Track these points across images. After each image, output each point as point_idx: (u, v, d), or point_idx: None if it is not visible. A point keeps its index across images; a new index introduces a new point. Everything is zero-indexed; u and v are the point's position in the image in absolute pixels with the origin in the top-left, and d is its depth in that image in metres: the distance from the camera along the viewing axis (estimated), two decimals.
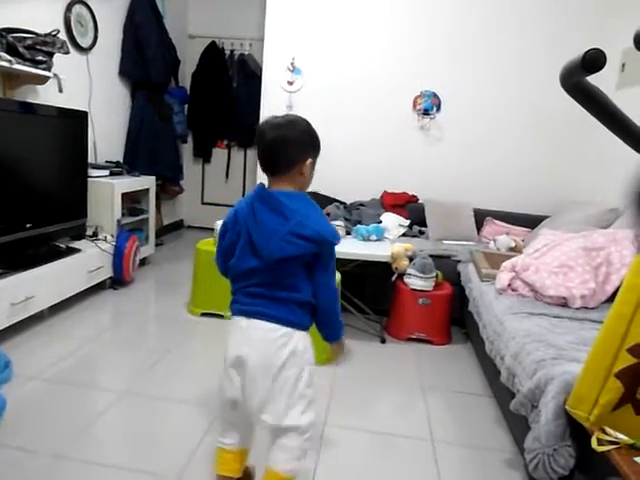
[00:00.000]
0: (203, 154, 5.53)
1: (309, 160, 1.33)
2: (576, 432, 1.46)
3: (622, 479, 1.15)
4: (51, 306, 2.82)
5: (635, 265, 1.08)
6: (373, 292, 3.24)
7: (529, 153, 3.84)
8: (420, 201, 3.82)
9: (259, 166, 1.37)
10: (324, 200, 3.70)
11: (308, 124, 1.36)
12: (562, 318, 2.10)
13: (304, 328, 1.37)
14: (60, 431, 1.85)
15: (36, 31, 2.81)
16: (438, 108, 3.84)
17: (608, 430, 1.23)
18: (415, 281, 2.90)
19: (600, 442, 1.24)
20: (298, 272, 1.32)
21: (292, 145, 1.31)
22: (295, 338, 1.33)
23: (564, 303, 2.25)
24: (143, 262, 4.01)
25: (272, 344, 1.32)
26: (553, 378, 1.56)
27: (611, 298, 2.28)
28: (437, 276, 2.96)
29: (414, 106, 3.86)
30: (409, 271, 2.93)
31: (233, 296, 1.41)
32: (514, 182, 3.87)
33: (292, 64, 3.89)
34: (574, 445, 1.47)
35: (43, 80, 2.92)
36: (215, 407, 2.08)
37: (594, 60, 0.79)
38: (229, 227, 1.39)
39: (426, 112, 3.82)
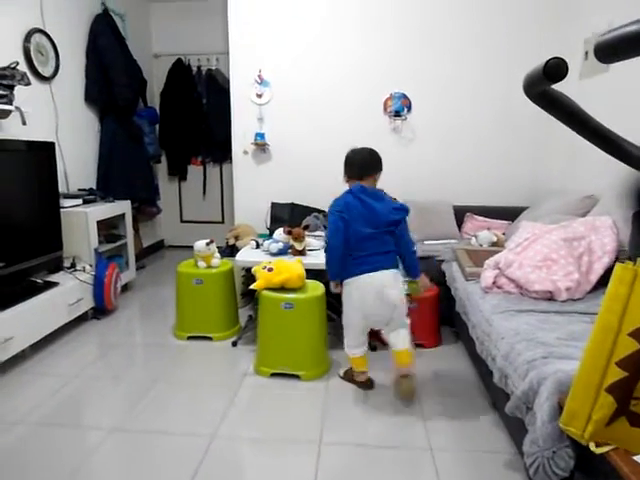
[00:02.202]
0: (178, 172, 5.46)
1: (379, 173, 2.34)
2: None
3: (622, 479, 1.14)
4: (33, 344, 2.74)
5: (617, 274, 1.06)
6: None
7: (501, 146, 3.86)
8: None
9: (345, 174, 2.36)
10: (302, 211, 3.67)
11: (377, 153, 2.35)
12: (549, 313, 2.09)
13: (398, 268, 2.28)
14: (51, 476, 1.78)
15: None
16: (409, 109, 3.84)
17: None
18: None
19: (598, 444, 1.23)
20: (391, 235, 2.22)
21: (375, 163, 2.33)
22: (399, 275, 2.27)
23: (550, 297, 2.24)
24: (125, 288, 3.94)
25: (393, 282, 2.22)
26: (545, 378, 1.54)
27: (595, 287, 2.30)
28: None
29: (385, 109, 3.85)
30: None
31: (355, 260, 2.21)
32: (489, 176, 3.89)
33: (259, 76, 3.86)
34: (573, 445, 1.45)
35: (5, 114, 2.85)
36: (207, 434, 2.04)
37: (556, 69, 0.78)
38: (345, 211, 2.20)
39: (397, 114, 3.82)
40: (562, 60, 0.77)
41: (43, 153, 3.09)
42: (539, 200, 3.49)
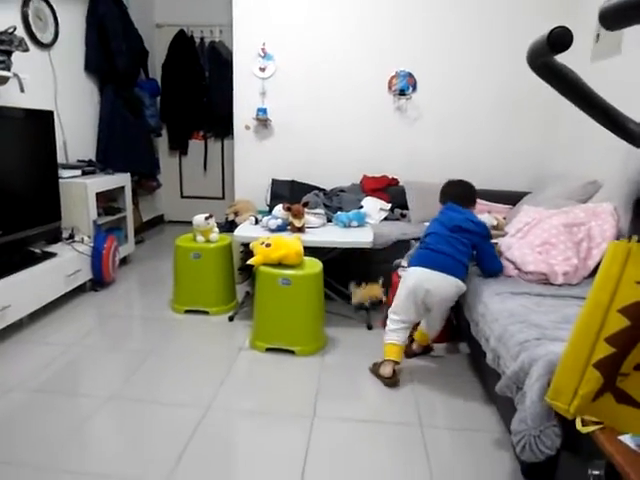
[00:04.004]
0: (179, 147, 5.42)
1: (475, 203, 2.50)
2: None
3: (607, 458, 1.15)
4: (30, 313, 2.76)
5: (610, 253, 1.06)
6: (357, 278, 3.22)
7: (505, 128, 3.81)
8: (400, 184, 3.79)
9: (441, 201, 2.52)
10: (303, 188, 3.65)
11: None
12: (545, 296, 2.09)
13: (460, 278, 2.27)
14: (45, 442, 1.81)
15: None
16: (414, 88, 3.79)
17: None
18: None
19: (584, 423, 1.24)
20: (463, 245, 2.26)
21: (470, 194, 2.49)
22: (456, 284, 2.25)
23: (546, 280, 2.24)
24: (124, 261, 3.95)
25: (442, 286, 2.24)
26: (537, 359, 1.55)
27: (593, 273, 2.29)
28: None
29: (389, 87, 3.80)
30: (403, 263, 2.71)
31: (419, 252, 2.34)
32: (493, 159, 3.85)
33: (263, 50, 3.80)
34: (560, 425, 1.47)
35: (3, 81, 2.81)
36: (202, 404, 2.06)
37: (560, 39, 0.76)
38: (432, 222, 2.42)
39: (402, 92, 3.77)
40: (566, 29, 0.75)
41: (42, 121, 3.06)
42: (541, 185, 3.46)
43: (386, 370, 2.28)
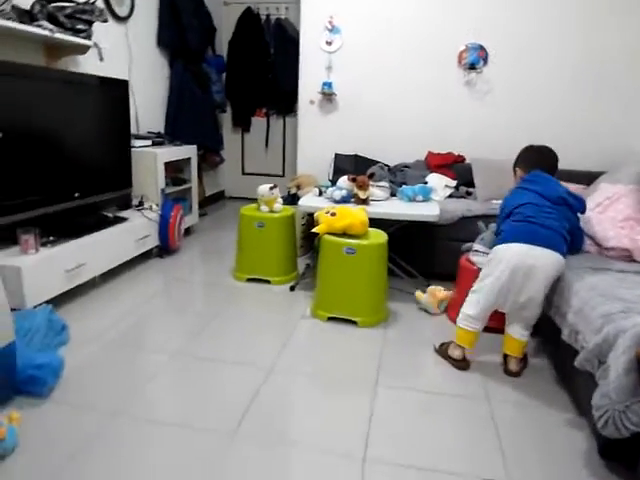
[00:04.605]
0: (242, 124, 5.48)
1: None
2: None
3: None
4: (102, 274, 2.89)
5: None
6: (421, 255, 3.16)
7: (581, 107, 3.60)
8: (467, 161, 3.67)
9: (522, 167, 2.32)
10: (366, 163, 3.60)
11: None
12: (627, 273, 1.97)
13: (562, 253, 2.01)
14: (116, 390, 1.89)
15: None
16: (485, 61, 3.64)
17: None
18: (483, 259, 2.32)
19: None
20: (565, 218, 2.05)
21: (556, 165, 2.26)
22: (558, 260, 1.98)
23: (629, 257, 2.11)
24: (188, 231, 4.06)
25: (544, 264, 1.96)
26: (624, 331, 1.46)
27: None
28: None
29: (459, 61, 3.67)
30: (476, 247, 2.53)
31: (511, 225, 2.06)
32: (566, 137, 3.63)
33: (330, 23, 3.76)
34: None
35: (84, 49, 2.92)
36: (265, 366, 2.09)
37: None
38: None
39: (472, 66, 3.63)
40: None
41: (118, 90, 3.17)
42: (619, 164, 3.25)
43: (456, 352, 2.15)
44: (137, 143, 3.49)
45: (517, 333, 2.08)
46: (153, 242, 3.38)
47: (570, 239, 2.05)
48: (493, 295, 2.01)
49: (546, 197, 2.05)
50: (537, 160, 2.24)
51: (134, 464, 1.52)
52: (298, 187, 3.62)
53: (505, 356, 2.15)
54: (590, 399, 1.52)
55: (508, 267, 1.95)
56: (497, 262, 2.00)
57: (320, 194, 3.07)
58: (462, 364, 2.14)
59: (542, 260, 1.93)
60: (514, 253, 1.95)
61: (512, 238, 1.99)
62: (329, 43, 3.81)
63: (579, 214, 2.14)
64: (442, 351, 2.24)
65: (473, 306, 2.07)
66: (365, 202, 2.86)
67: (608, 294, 1.72)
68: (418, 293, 2.77)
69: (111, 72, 3.24)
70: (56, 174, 2.68)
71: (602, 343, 1.52)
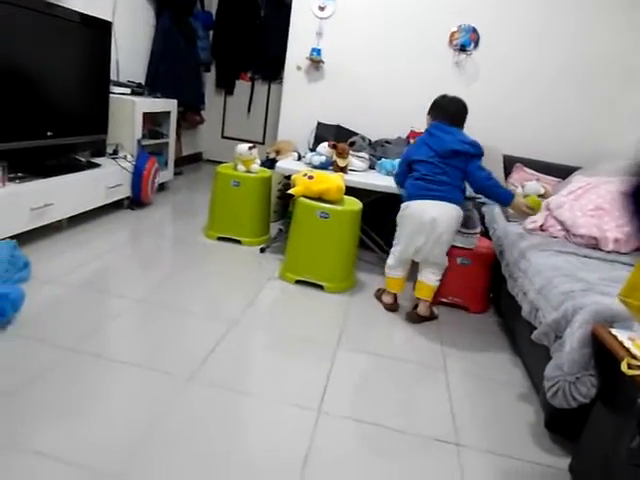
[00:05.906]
0: (226, 85, 5.37)
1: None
2: (600, 362, 1.42)
3: None
4: (70, 217, 2.81)
5: None
6: (393, 229, 3.17)
7: (565, 101, 3.64)
8: None
9: (431, 115, 2.38)
10: (348, 134, 3.57)
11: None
12: (592, 258, 2.03)
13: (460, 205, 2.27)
14: (77, 329, 1.85)
15: None
16: (476, 44, 3.63)
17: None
18: (455, 237, 2.36)
19: (630, 366, 1.19)
20: (459, 170, 2.22)
21: (464, 117, 2.33)
22: (456, 211, 2.25)
23: (595, 245, 2.16)
24: (162, 187, 3.97)
25: (446, 215, 2.21)
26: (582, 308, 1.50)
27: None
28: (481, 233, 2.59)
29: (450, 41, 3.65)
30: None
31: (412, 185, 2.28)
32: (547, 130, 3.69)
33: None
34: (597, 375, 1.42)
35: None
36: (228, 320, 2.08)
37: None
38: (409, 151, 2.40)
39: (463, 48, 3.62)
40: None
41: (100, 31, 3.04)
42: (594, 162, 3.32)
43: (387, 298, 2.45)
44: (116, 90, 3.38)
45: (427, 279, 2.34)
46: (125, 192, 3.30)
47: (475, 189, 2.27)
48: (405, 246, 2.29)
49: (439, 153, 2.21)
50: (444, 111, 2.32)
51: (90, 396, 1.50)
52: (277, 153, 3.57)
53: (416, 305, 2.39)
54: (542, 376, 1.57)
55: (413, 222, 2.22)
56: (405, 218, 2.27)
57: (299, 159, 3.05)
58: (393, 307, 2.44)
59: (441, 212, 2.17)
60: (416, 209, 2.22)
61: (414, 196, 2.25)
62: (322, 8, 3.73)
63: (477, 160, 2.23)
64: (378, 295, 2.54)
65: (392, 257, 2.38)
66: (343, 170, 2.85)
67: (571, 275, 1.77)
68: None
69: (93, 11, 3.11)
70: (28, 109, 2.56)
71: (560, 319, 1.56)
